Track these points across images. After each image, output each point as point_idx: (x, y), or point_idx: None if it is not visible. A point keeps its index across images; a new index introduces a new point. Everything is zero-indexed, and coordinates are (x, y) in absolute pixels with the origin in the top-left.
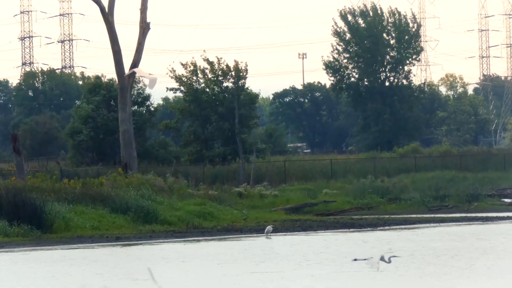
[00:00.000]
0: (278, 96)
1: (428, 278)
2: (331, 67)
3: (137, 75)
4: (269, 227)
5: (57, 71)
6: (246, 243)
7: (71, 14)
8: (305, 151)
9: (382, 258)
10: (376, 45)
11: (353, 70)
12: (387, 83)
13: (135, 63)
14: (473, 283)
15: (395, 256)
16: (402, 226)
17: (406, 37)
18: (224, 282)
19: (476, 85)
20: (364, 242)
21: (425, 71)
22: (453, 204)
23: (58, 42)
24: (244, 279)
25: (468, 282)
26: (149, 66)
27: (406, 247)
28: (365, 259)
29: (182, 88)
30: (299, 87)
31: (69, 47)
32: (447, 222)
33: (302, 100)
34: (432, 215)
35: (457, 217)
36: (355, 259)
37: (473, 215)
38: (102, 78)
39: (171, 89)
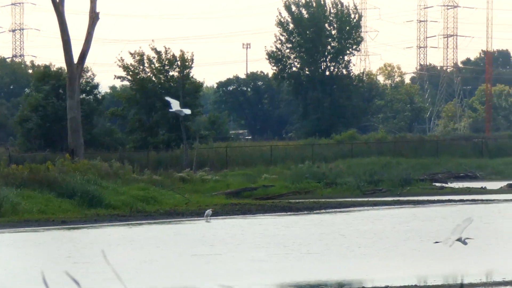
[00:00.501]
0: (222, 85)
1: (355, 258)
2: (274, 57)
3: (173, 109)
4: (208, 211)
5: (7, 60)
6: (187, 226)
7: (22, 3)
8: (247, 138)
9: (459, 239)
10: (318, 35)
11: (295, 59)
12: (327, 73)
13: (84, 53)
14: (397, 263)
15: (469, 238)
16: (337, 210)
17: (347, 27)
18: (163, 264)
19: (413, 75)
20: (295, 224)
21: (364, 61)
22: (387, 188)
23: (9, 31)
24: (182, 262)
25: (392, 263)
26: (97, 56)
27: (338, 229)
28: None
29: (129, 77)
30: (243, 76)
31: (20, 36)
32: (380, 205)
33: (245, 89)
34: (366, 199)
35: (389, 201)
36: (436, 242)
37: (405, 198)
38: (52, 67)
39: (119, 77)
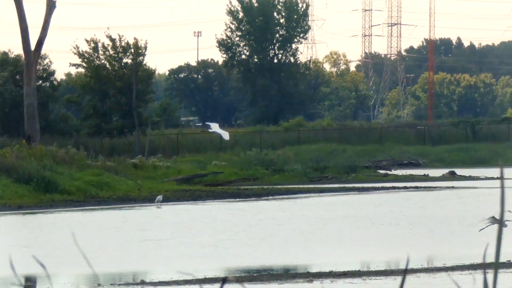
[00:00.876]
0: (173, 72)
1: (301, 244)
2: (224, 45)
3: (212, 129)
4: (159, 197)
5: None
6: (139, 212)
7: None
8: (197, 124)
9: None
10: (267, 24)
11: (245, 47)
12: (275, 60)
13: (40, 40)
14: (342, 249)
15: (509, 221)
16: (285, 196)
17: (295, 16)
18: (115, 248)
19: (358, 63)
20: (244, 211)
21: (311, 49)
22: (333, 175)
23: None
24: (133, 247)
25: (337, 248)
26: (54, 43)
27: (285, 215)
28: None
29: (84, 64)
30: (194, 64)
31: None
32: (326, 192)
33: (196, 76)
34: (313, 186)
35: (335, 188)
36: (481, 229)
37: (351, 185)
38: (10, 54)
39: (74, 65)
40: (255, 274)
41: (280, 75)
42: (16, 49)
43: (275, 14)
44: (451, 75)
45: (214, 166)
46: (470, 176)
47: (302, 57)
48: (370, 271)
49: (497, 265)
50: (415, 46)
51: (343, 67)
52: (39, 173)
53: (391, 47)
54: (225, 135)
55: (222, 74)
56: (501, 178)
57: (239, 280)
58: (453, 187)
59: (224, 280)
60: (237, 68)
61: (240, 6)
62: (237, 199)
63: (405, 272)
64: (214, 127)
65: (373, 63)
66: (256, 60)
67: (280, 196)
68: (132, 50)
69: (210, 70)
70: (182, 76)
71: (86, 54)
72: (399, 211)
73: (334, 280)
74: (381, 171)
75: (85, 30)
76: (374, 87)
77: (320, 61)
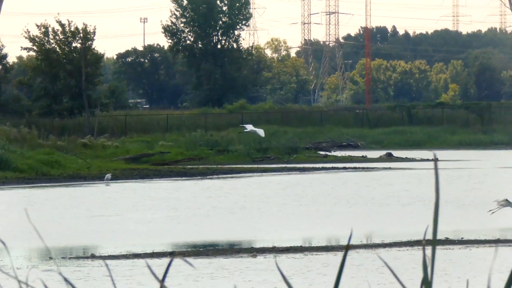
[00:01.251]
0: (121, 56)
1: (245, 221)
2: (169, 31)
3: (248, 129)
4: (108, 175)
5: None
6: (88, 189)
7: None
8: (144, 106)
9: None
10: (211, 11)
11: (189, 33)
12: (219, 46)
13: None
14: (284, 226)
15: None
16: (229, 175)
17: (237, 4)
18: (65, 224)
19: (298, 49)
20: (189, 189)
21: (253, 36)
22: (275, 156)
23: None
24: (81, 222)
25: (279, 225)
26: (5, 28)
27: (229, 194)
28: (503, 206)
29: (35, 47)
30: (140, 48)
31: None
32: (269, 172)
33: (143, 60)
34: (256, 166)
35: (277, 168)
36: (492, 211)
37: (292, 166)
38: None
39: (25, 49)
40: (201, 249)
41: (223, 60)
42: None
43: (218, 1)
44: (387, 61)
45: (161, 146)
46: (406, 157)
47: (245, 43)
48: (312, 247)
49: (434, 242)
50: (353, 34)
51: (283, 53)
52: None
53: (329, 34)
54: (261, 132)
55: (168, 59)
56: (435, 167)
57: (185, 254)
58: (390, 168)
59: (172, 255)
60: (182, 53)
61: None
62: (183, 178)
63: (347, 248)
64: (249, 127)
65: (313, 49)
66: (200, 45)
67: (224, 175)
68: (81, 35)
69: (156, 55)
70: (130, 60)
71: (37, 39)
72: (338, 191)
73: (277, 255)
74: (321, 152)
75: (36, 15)
76: (314, 72)
77: (262, 47)
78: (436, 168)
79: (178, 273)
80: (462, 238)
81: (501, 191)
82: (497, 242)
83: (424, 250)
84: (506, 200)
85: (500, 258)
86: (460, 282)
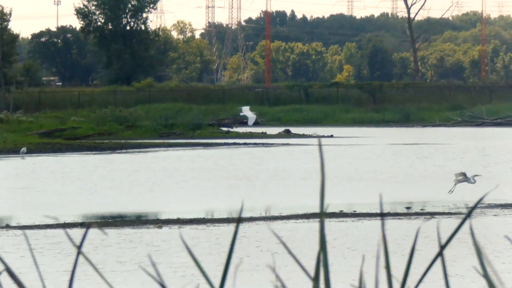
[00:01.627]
0: (35, 36)
1: (150, 193)
2: (81, 13)
3: (243, 113)
4: (23, 149)
5: None
6: (4, 162)
7: None
8: (57, 84)
9: (467, 180)
10: None
11: (100, 15)
12: (128, 28)
13: None
14: (188, 198)
15: (477, 175)
16: (137, 150)
17: None
18: None
19: (203, 31)
20: (99, 162)
21: (160, 18)
22: (180, 132)
23: None
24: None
25: (183, 198)
26: None
27: (134, 167)
28: (459, 182)
29: None
30: (54, 29)
31: None
32: (174, 147)
33: (56, 40)
34: (162, 141)
35: (182, 143)
36: (451, 191)
37: (196, 141)
38: None
39: None
40: (109, 220)
41: (132, 41)
42: None
43: None
44: (286, 43)
45: (73, 121)
46: (303, 134)
47: (152, 25)
48: (214, 219)
49: (322, 215)
50: (254, 17)
51: (189, 35)
52: None
53: (232, 17)
54: (252, 119)
55: (80, 39)
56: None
57: (95, 225)
58: (288, 144)
59: (82, 226)
60: (93, 34)
61: None
62: (94, 152)
63: (238, 221)
64: (245, 110)
65: (216, 31)
66: (110, 27)
67: (132, 150)
68: None
69: (69, 35)
70: (44, 40)
71: None
72: (239, 165)
73: (181, 226)
74: (224, 129)
75: None
76: (217, 53)
77: (168, 29)
78: (320, 145)
79: (88, 244)
80: (354, 211)
81: (391, 167)
82: (386, 215)
83: (322, 222)
84: (463, 174)
85: (389, 230)
86: (354, 252)
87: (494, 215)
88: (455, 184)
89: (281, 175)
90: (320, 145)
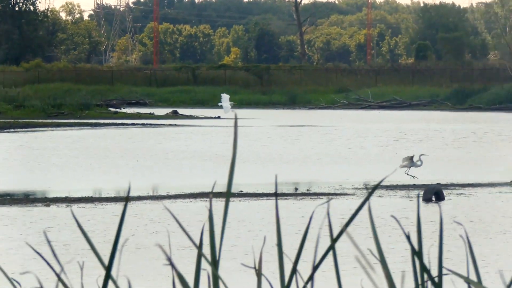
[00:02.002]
0: None
1: (31, 172)
2: None
3: (221, 102)
4: None
5: None
6: None
7: None
8: None
9: (413, 164)
10: None
11: None
12: (17, 8)
13: None
14: (81, 177)
15: (424, 155)
16: (25, 129)
17: None
18: None
19: (91, 12)
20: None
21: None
22: (68, 112)
23: None
24: None
25: (77, 176)
26: None
27: (21, 147)
28: (410, 165)
29: None
30: None
31: None
32: (62, 126)
33: None
34: (51, 121)
35: (71, 123)
36: (408, 174)
37: (84, 121)
38: None
39: None
40: None
41: (21, 21)
42: None
43: None
44: (174, 25)
45: None
46: (190, 115)
47: (41, 6)
48: (102, 198)
49: (228, 195)
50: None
51: (77, 16)
52: None
53: (120, 0)
54: (226, 109)
55: None
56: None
57: None
58: (175, 125)
59: None
60: None
61: None
62: None
63: (126, 200)
64: (224, 99)
65: (105, 13)
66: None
67: (20, 129)
68: None
69: None
70: None
71: None
72: (126, 145)
73: (69, 205)
74: (112, 109)
75: None
76: (106, 34)
77: (57, 10)
78: (235, 126)
79: None
80: (241, 191)
81: (282, 149)
82: (271, 195)
83: (210, 201)
84: (410, 159)
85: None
86: (252, 233)
87: (379, 196)
88: (402, 168)
89: (169, 155)
90: (235, 126)
